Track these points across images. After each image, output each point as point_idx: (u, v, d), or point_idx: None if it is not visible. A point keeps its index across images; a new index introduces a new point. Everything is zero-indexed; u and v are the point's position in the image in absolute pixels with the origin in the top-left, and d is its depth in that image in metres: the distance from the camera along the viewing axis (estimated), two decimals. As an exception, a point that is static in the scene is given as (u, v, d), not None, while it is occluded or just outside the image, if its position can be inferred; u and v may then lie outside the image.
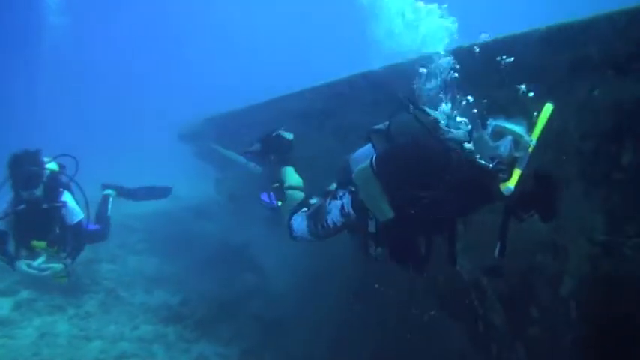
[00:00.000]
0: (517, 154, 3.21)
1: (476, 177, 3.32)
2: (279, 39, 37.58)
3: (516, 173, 3.17)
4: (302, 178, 4.82)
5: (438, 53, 4.22)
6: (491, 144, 3.29)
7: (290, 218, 4.39)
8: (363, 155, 3.97)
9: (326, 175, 5.56)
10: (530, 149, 3.23)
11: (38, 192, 5.80)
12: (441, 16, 4.42)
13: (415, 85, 4.18)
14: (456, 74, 4.01)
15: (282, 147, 4.91)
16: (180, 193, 14.61)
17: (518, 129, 3.25)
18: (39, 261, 5.89)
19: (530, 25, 4.18)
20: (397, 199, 3.58)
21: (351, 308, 6.65)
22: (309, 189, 4.68)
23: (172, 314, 8.11)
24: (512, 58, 3.91)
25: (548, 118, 3.30)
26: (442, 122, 3.61)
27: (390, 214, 3.60)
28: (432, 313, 5.01)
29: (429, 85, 4.07)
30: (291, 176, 4.75)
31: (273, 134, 4.94)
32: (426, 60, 4.20)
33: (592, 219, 3.98)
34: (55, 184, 6.09)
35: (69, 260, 6.06)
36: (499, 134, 3.28)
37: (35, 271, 5.85)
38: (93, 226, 6.68)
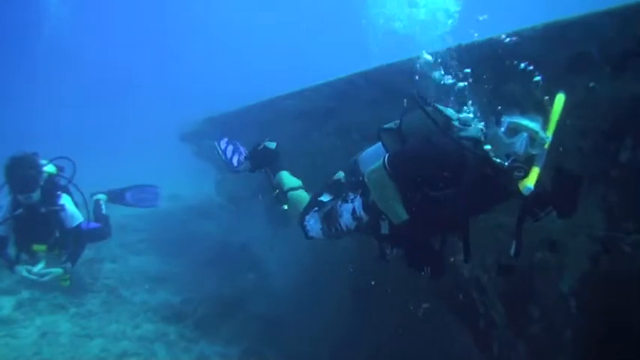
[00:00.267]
0: (533, 151, 3.13)
1: (491, 175, 3.27)
2: (279, 38, 37.60)
3: (535, 171, 3.09)
4: (299, 179, 4.78)
5: (444, 50, 4.21)
6: (506, 141, 3.21)
7: (302, 219, 4.32)
8: (373, 155, 3.92)
9: (327, 174, 5.59)
10: (546, 146, 3.16)
11: (35, 196, 5.70)
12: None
13: (425, 82, 4.15)
14: (467, 70, 3.96)
15: (270, 157, 4.81)
16: (181, 193, 14.68)
17: (533, 125, 3.17)
18: (39, 266, 5.82)
19: (529, 22, 4.18)
20: (411, 200, 3.52)
21: (353, 306, 6.66)
22: (312, 188, 4.66)
23: (173, 313, 8.11)
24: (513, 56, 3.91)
25: (561, 110, 3.21)
26: (455, 120, 3.55)
27: (404, 215, 3.51)
28: (426, 306, 5.00)
29: (439, 82, 4.04)
30: (288, 179, 4.68)
31: (258, 148, 4.85)
32: (434, 57, 4.19)
33: (591, 216, 3.98)
34: (52, 187, 6.01)
35: (69, 264, 5.99)
36: (514, 131, 3.20)
37: (35, 277, 5.79)
38: (93, 225, 6.61)
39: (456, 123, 3.52)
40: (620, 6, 3.60)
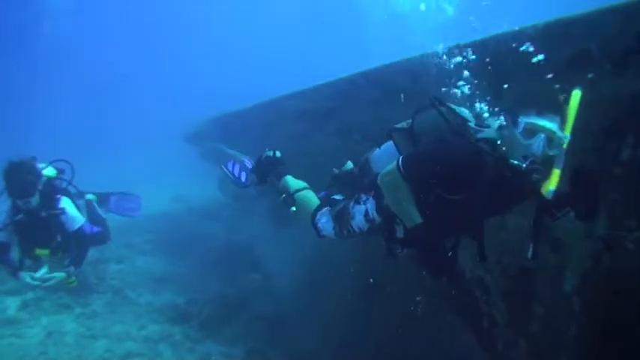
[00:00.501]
0: (551, 152, 3.04)
1: (508, 178, 3.18)
2: (280, 38, 37.64)
3: (555, 173, 3.00)
4: (303, 180, 4.74)
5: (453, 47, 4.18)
6: (524, 142, 3.12)
7: (314, 218, 4.24)
8: (385, 154, 3.88)
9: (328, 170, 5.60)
10: (564, 146, 3.04)
11: (34, 200, 5.62)
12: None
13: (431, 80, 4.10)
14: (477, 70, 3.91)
15: (274, 164, 4.69)
16: (186, 194, 14.74)
17: (550, 125, 3.07)
18: (42, 272, 5.72)
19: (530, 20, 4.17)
20: (425, 203, 3.44)
21: (356, 306, 6.66)
22: (314, 188, 4.65)
23: (178, 314, 8.13)
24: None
25: (578, 107, 3.10)
26: (471, 121, 3.49)
27: (418, 219, 3.42)
28: (419, 299, 4.98)
29: (453, 82, 4.00)
30: (293, 182, 4.57)
31: (262, 158, 4.74)
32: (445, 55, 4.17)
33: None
34: (51, 191, 5.93)
35: (72, 268, 5.90)
36: (531, 131, 3.11)
37: (38, 283, 5.71)
38: (95, 229, 6.45)
39: (472, 124, 3.46)
40: (622, 3, 3.59)
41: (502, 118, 3.29)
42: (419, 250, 3.62)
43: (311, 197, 4.44)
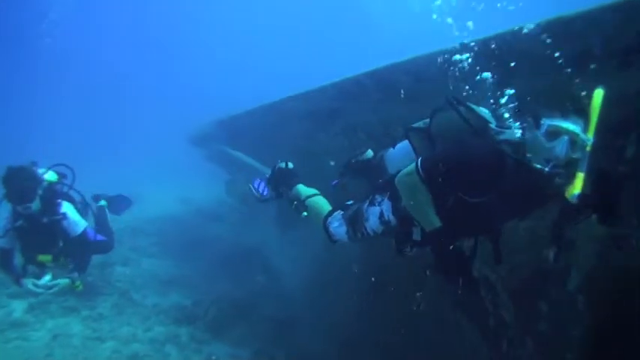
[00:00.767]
0: (574, 155, 2.94)
1: (531, 181, 3.09)
2: (281, 39, 37.70)
3: (579, 177, 2.89)
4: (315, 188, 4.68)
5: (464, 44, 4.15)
6: (546, 145, 3.01)
7: (326, 222, 4.17)
8: (400, 154, 3.82)
9: (334, 174, 5.59)
10: (588, 148, 2.95)
11: (34, 206, 5.50)
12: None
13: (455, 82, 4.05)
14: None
15: (287, 176, 4.63)
16: (192, 196, 14.78)
17: (574, 127, 2.96)
18: (45, 279, 5.64)
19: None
20: (444, 206, 3.36)
21: (362, 306, 6.65)
22: (320, 190, 4.64)
23: (185, 316, 8.16)
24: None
25: (600, 107, 3.00)
26: (492, 122, 3.38)
27: (437, 222, 3.34)
28: (419, 294, 4.95)
29: (472, 81, 3.93)
30: (303, 189, 4.51)
31: (275, 170, 4.69)
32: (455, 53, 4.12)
33: (598, 212, 3.95)
34: (52, 196, 5.79)
35: (76, 274, 5.81)
36: (554, 134, 3.00)
37: (41, 290, 5.62)
38: (100, 237, 6.26)
39: (493, 125, 3.36)
40: (622, 2, 3.58)
41: (524, 119, 3.23)
42: (436, 253, 3.51)
43: (322, 203, 4.38)
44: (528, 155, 3.09)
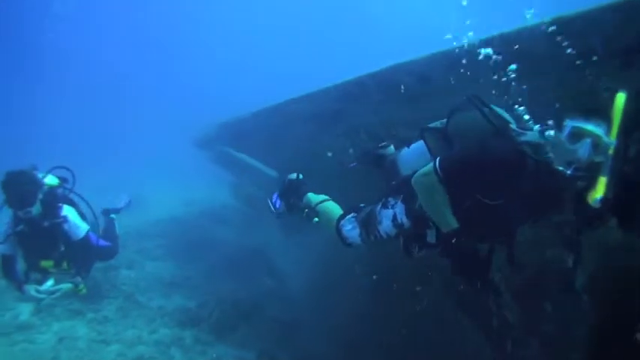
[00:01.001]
0: (596, 158, 2.86)
1: (551, 184, 3.05)
2: (283, 40, 37.78)
3: (602, 181, 2.81)
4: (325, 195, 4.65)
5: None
6: (569, 147, 2.93)
7: (338, 225, 4.15)
8: (414, 155, 3.78)
9: (339, 175, 5.61)
10: (610, 152, 2.87)
11: (35, 210, 5.47)
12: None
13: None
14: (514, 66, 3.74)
15: (297, 187, 4.62)
16: (197, 198, 14.80)
17: (597, 130, 2.88)
18: (48, 284, 5.61)
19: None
20: (462, 207, 3.32)
21: (366, 307, 6.66)
22: (325, 191, 4.64)
23: (189, 318, 8.16)
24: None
25: (622, 111, 2.92)
26: (512, 123, 3.34)
27: (454, 224, 3.30)
28: (418, 289, 4.94)
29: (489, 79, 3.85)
30: (314, 197, 4.50)
31: (286, 182, 4.68)
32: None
33: (601, 211, 3.94)
34: (52, 200, 5.74)
35: (79, 278, 5.79)
36: (577, 136, 2.92)
37: (44, 296, 5.60)
38: (103, 242, 6.33)
39: (514, 126, 3.32)
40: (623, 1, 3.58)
41: (546, 120, 3.15)
42: (453, 255, 3.47)
43: (333, 207, 4.36)
44: (549, 157, 3.02)
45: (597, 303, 4.10)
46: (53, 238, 5.69)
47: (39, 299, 5.69)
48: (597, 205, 2.80)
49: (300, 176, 4.70)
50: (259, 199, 10.22)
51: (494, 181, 3.15)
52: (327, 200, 4.45)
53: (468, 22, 4.44)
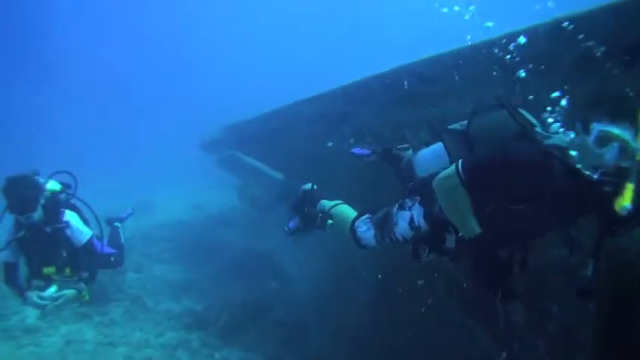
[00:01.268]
0: (623, 164, 2.73)
1: (577, 189, 2.90)
2: (285, 41, 37.97)
3: (629, 188, 2.67)
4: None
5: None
6: (596, 151, 2.80)
7: (353, 226, 4.07)
8: (432, 157, 3.67)
9: (344, 177, 5.61)
10: (638, 158, 2.72)
11: (36, 215, 5.37)
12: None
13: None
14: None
15: (311, 197, 4.55)
16: (204, 202, 14.85)
17: (625, 134, 2.73)
18: (50, 290, 5.47)
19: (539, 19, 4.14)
20: (484, 212, 3.17)
21: (372, 308, 6.65)
22: (331, 194, 4.63)
23: (196, 321, 8.19)
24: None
25: None
26: (537, 126, 3.21)
27: (477, 229, 3.15)
28: (421, 282, 4.88)
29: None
30: (327, 202, 4.43)
31: (301, 193, 4.60)
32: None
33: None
34: (54, 205, 5.63)
35: (82, 284, 5.63)
36: (604, 140, 2.78)
37: (47, 302, 5.43)
38: (108, 250, 6.19)
39: (539, 129, 3.19)
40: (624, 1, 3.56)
41: (572, 123, 3.04)
42: (475, 261, 3.37)
43: (347, 210, 4.29)
44: (573, 156, 2.92)
45: (604, 303, 4.08)
46: (55, 243, 5.57)
47: (41, 306, 5.51)
48: (624, 213, 2.67)
49: (315, 186, 4.63)
50: (265, 201, 10.25)
51: (519, 185, 3.01)
52: (341, 204, 4.39)
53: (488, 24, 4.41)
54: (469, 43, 4.38)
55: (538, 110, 3.33)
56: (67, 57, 33.65)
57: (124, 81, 36.15)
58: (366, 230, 3.99)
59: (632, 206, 2.63)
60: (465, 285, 5.25)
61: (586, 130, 2.88)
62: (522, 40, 4.02)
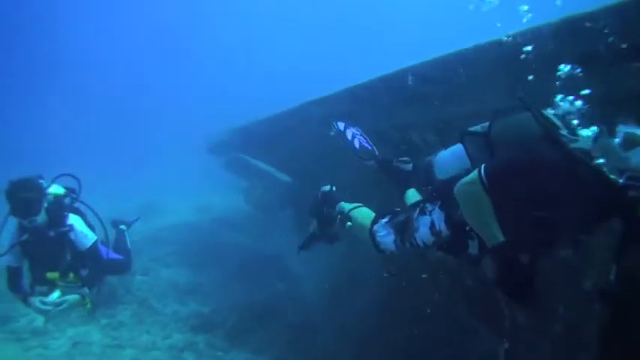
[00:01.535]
0: None
1: (602, 193, 2.77)
2: (287, 42, 37.99)
3: None
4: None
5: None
6: (622, 155, 2.71)
7: (372, 229, 3.96)
8: (451, 159, 3.56)
9: (351, 179, 5.60)
10: None
11: (40, 219, 5.30)
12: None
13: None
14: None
15: (330, 198, 4.48)
16: (210, 205, 14.88)
17: None
18: (54, 296, 5.39)
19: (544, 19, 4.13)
20: (506, 219, 3.04)
21: (377, 309, 6.65)
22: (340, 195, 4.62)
23: (203, 323, 8.21)
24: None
25: None
26: (562, 129, 3.09)
27: (500, 236, 3.00)
28: (424, 278, 4.83)
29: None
30: (346, 204, 4.35)
31: (320, 194, 4.54)
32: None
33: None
34: (58, 208, 5.54)
35: (86, 289, 5.54)
36: (630, 143, 2.70)
37: (50, 307, 5.34)
38: (113, 255, 6.04)
39: (564, 132, 3.07)
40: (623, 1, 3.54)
41: (597, 126, 2.97)
42: (498, 270, 3.16)
43: (367, 213, 4.20)
44: (598, 160, 2.80)
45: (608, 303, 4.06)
46: (59, 247, 5.52)
47: (45, 311, 5.42)
48: None
49: (334, 188, 4.57)
50: (271, 203, 10.25)
51: (542, 190, 2.88)
52: (361, 206, 4.30)
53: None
54: (505, 36, 4.29)
55: (561, 113, 3.27)
56: (76, 59, 33.81)
57: (132, 81, 36.33)
58: (385, 235, 3.88)
59: None
60: (470, 283, 5.26)
61: (612, 133, 2.81)
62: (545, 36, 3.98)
